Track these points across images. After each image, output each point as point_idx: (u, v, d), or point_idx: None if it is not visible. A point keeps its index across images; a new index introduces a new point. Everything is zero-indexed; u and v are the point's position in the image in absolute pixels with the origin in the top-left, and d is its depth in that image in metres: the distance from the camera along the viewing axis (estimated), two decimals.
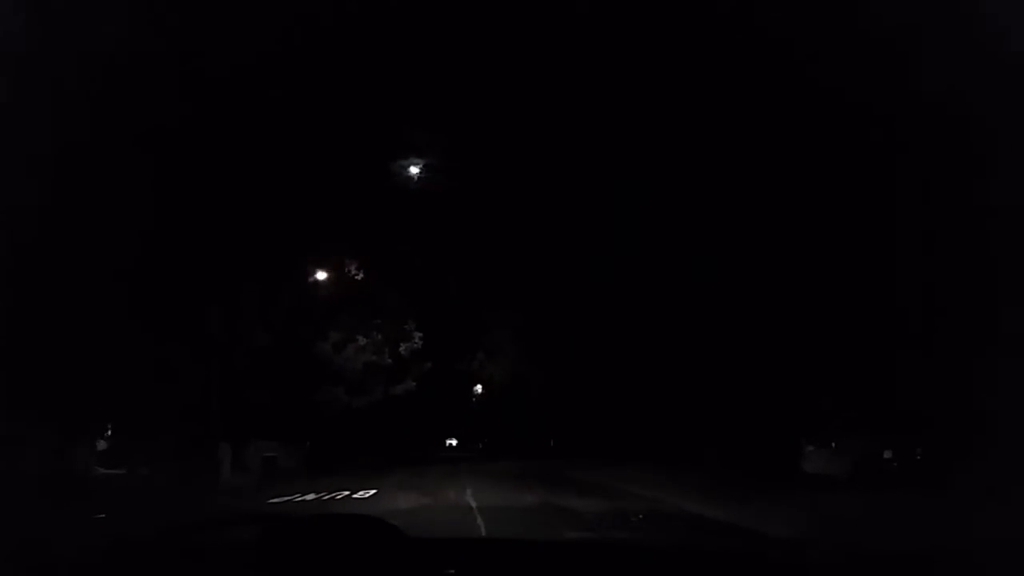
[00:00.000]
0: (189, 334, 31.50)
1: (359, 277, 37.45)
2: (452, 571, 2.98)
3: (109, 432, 34.71)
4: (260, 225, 30.65)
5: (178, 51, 21.20)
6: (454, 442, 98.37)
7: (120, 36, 19.13)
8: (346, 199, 31.69)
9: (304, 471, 34.66)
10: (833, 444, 18.30)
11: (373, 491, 20.80)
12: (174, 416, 31.55)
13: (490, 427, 77.60)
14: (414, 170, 32.80)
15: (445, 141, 31.29)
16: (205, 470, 28.62)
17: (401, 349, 42.69)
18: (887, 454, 16.88)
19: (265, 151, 28.69)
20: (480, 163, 32.48)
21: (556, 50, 22.91)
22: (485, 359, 50.82)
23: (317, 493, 20.53)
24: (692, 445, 28.00)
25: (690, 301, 25.31)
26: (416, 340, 43.79)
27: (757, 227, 23.58)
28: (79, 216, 23.72)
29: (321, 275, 35.44)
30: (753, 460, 19.84)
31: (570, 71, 23.90)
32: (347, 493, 20.38)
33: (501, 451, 60.12)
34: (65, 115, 20.43)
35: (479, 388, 76.11)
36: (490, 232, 35.33)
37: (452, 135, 31.05)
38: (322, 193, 30.48)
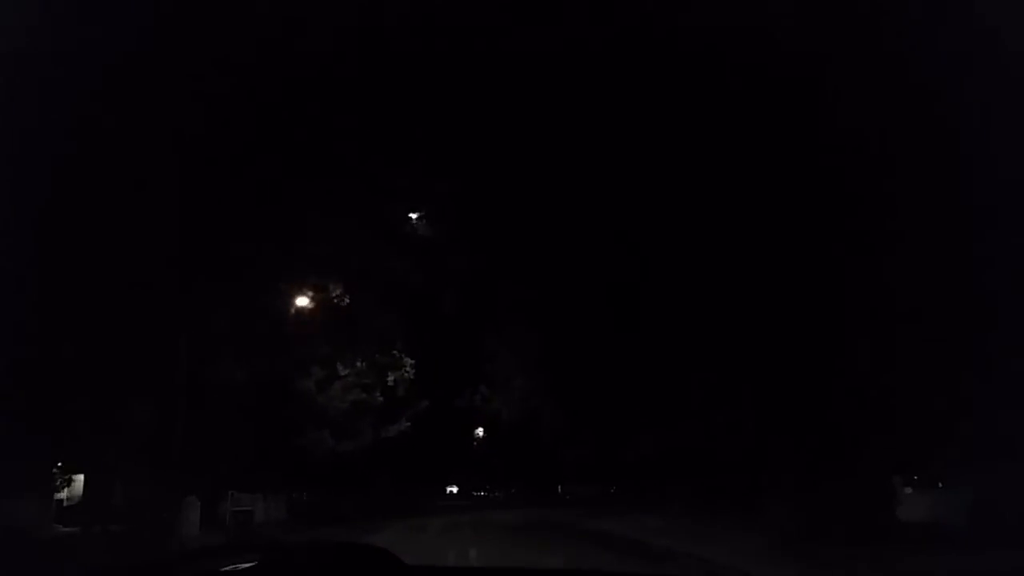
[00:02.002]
0: (151, 370, 28.05)
1: (344, 301, 33.86)
2: None
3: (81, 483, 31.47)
4: (230, 243, 27.46)
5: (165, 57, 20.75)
6: (455, 489, 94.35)
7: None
8: (329, 210, 28.47)
9: (283, 527, 32.29)
10: (940, 484, 14.68)
11: None
12: (143, 465, 28.33)
13: (494, 472, 73.38)
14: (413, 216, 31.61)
15: (444, 153, 28.61)
16: (180, 525, 26.74)
17: (389, 379, 38.73)
18: None
19: (234, 158, 25.72)
20: (479, 170, 29.61)
21: (557, 58, 22.69)
22: (489, 394, 45.65)
23: (229, 562, 16.90)
24: (735, 489, 24.38)
25: (731, 321, 22.06)
26: (407, 368, 39.80)
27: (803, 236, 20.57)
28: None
29: (302, 301, 31.88)
30: (825, 507, 16.38)
31: (573, 78, 23.59)
32: None
33: (508, 499, 56.69)
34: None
35: (480, 431, 73.21)
36: (493, 243, 31.87)
37: (452, 146, 28.54)
38: (301, 205, 27.28)
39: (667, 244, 25.70)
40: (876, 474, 16.18)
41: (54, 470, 30.92)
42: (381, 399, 38.59)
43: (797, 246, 19.74)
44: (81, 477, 31.10)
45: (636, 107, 23.19)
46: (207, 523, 28.89)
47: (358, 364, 35.89)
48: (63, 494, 35.04)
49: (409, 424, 42.30)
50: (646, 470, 35.98)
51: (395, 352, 39.60)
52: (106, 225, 24.01)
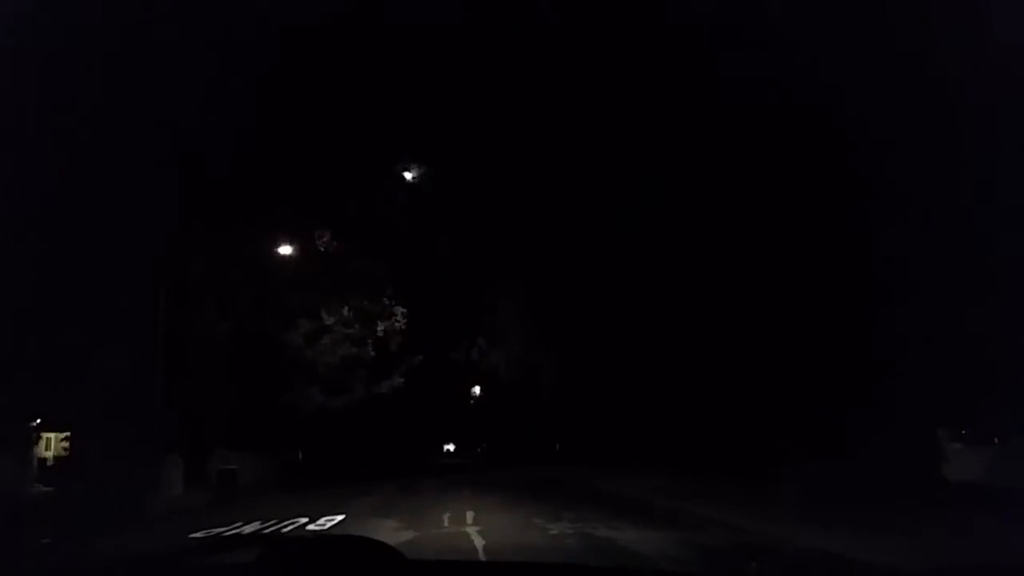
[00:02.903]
0: (128, 320, 26.80)
1: (332, 246, 32.15)
2: None
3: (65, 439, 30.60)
4: (210, 188, 25.97)
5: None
6: (452, 448, 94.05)
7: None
8: (314, 152, 26.84)
9: (270, 487, 31.30)
10: (996, 440, 13.28)
11: (339, 517, 16.28)
12: (120, 421, 27.10)
13: (493, 430, 72.42)
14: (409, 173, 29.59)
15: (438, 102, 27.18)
16: (162, 485, 25.99)
17: (379, 329, 37.05)
18: None
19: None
20: (475, 112, 28.02)
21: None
22: (487, 347, 43.86)
23: (264, 522, 15.84)
24: (752, 446, 23.08)
25: (755, 254, 20.53)
26: (398, 318, 38.04)
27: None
28: None
29: (286, 250, 30.29)
30: (860, 464, 15.04)
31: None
32: (304, 521, 15.68)
33: (508, 457, 55.94)
34: None
35: (477, 390, 72.35)
36: (491, 187, 30.17)
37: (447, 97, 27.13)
38: (285, 146, 25.69)
39: (678, 171, 24.21)
40: (918, 426, 14.76)
41: (32, 426, 30.08)
42: (373, 354, 37.10)
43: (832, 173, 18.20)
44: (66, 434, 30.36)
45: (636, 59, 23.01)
46: (192, 482, 27.93)
47: (344, 312, 34.13)
48: (49, 452, 34.27)
49: (403, 380, 40.80)
50: (653, 427, 34.69)
51: (385, 300, 37.58)
52: (76, 169, 22.87)
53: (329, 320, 33.48)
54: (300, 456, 44.24)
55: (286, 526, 15.08)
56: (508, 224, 32.27)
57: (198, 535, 14.20)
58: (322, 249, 31.84)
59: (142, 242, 26.76)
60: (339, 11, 24.70)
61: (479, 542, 11.76)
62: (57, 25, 20.75)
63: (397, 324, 37.90)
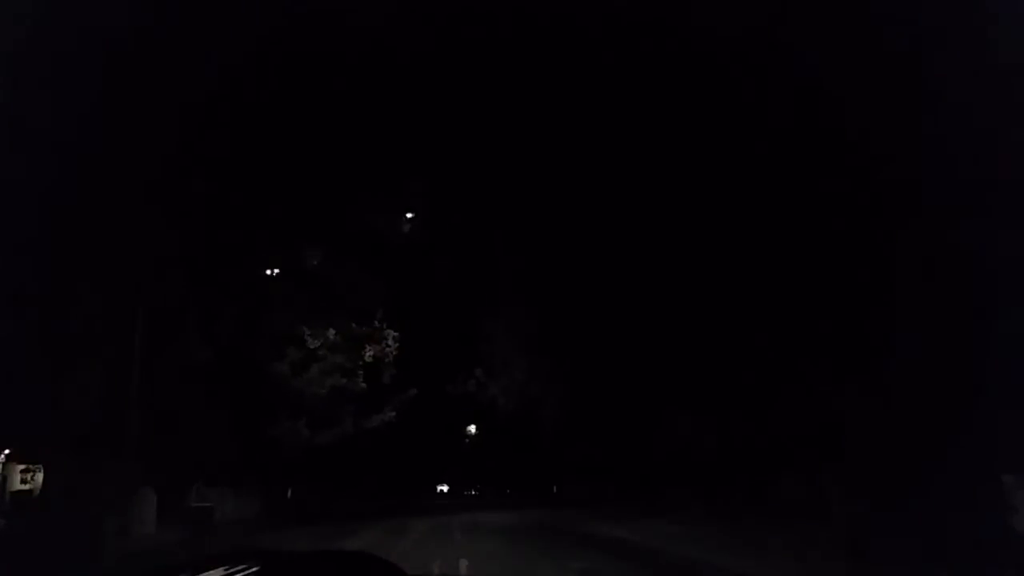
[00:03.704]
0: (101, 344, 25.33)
1: (319, 263, 30.51)
2: None
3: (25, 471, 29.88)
4: (193, 202, 24.65)
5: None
6: (445, 489, 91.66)
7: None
8: (304, 167, 25.54)
9: (251, 526, 30.25)
10: None
11: None
12: (89, 453, 25.65)
13: (488, 471, 70.46)
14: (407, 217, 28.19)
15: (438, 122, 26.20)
16: (132, 522, 24.80)
17: (367, 354, 35.22)
18: None
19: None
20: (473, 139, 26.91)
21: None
22: (485, 378, 41.22)
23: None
24: (783, 487, 21.37)
25: (776, 270, 19.21)
26: (390, 342, 36.22)
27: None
28: None
29: (273, 269, 28.82)
30: (915, 513, 13.43)
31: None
32: None
33: (502, 499, 54.09)
34: None
35: (473, 429, 70.57)
36: (490, 209, 28.74)
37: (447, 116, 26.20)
38: (272, 159, 24.43)
39: (687, 199, 23.18)
40: (981, 471, 13.14)
41: None
42: (364, 385, 35.31)
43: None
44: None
45: (631, 83, 22.96)
46: (167, 519, 26.49)
47: (330, 335, 32.38)
48: (27, 484, 32.71)
49: (394, 414, 38.97)
50: (667, 465, 32.87)
51: (376, 322, 35.77)
52: (48, 177, 21.64)
53: (314, 343, 31.68)
54: (289, 494, 42.74)
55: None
56: (508, 247, 30.79)
57: None
58: (315, 263, 30.18)
59: (119, 261, 25.43)
60: (339, 28, 23.89)
61: None
62: (42, 32, 19.94)
63: (388, 349, 36.02)
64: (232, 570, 3.05)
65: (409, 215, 33.57)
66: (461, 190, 29.49)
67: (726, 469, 26.76)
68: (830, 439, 17.89)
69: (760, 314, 21.39)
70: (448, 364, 43.93)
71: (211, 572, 3.12)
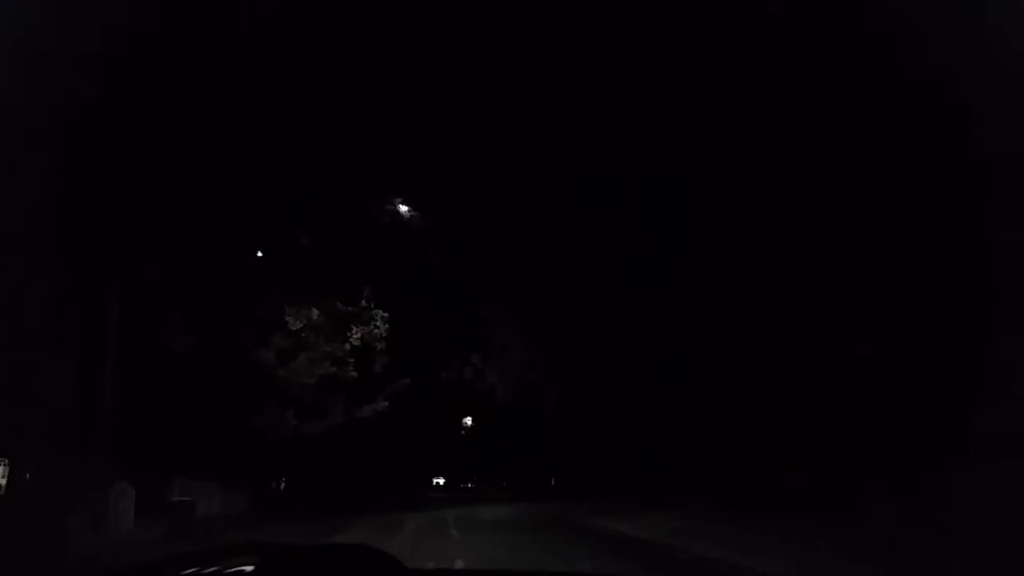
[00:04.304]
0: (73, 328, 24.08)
1: (302, 242, 28.88)
2: None
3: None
4: (173, 178, 23.26)
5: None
6: (441, 481, 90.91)
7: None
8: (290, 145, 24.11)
9: (236, 521, 28.88)
10: None
11: None
12: (65, 448, 24.87)
13: (484, 463, 69.39)
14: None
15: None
16: (108, 518, 23.50)
17: (354, 335, 33.59)
18: None
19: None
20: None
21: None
22: (481, 365, 39.24)
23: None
24: (800, 480, 20.11)
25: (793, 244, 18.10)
26: (379, 323, 34.54)
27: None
28: None
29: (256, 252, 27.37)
30: (954, 512, 12.20)
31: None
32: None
33: (499, 492, 53.05)
34: None
35: (469, 421, 69.56)
36: (487, 185, 27.20)
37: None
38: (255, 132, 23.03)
39: (694, 173, 22.30)
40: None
41: None
42: (354, 374, 33.82)
43: None
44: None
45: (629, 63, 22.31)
46: (147, 514, 25.03)
47: (314, 315, 30.72)
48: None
49: (387, 404, 37.54)
50: (660, 460, 31.60)
51: (363, 301, 34.06)
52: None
53: (295, 325, 30.09)
54: (280, 487, 41.65)
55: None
56: (506, 226, 29.17)
57: None
58: (302, 241, 28.51)
59: (93, 240, 24.06)
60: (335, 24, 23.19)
61: None
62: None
63: (377, 331, 34.34)
64: (230, 564, 3.03)
65: (401, 204, 32.07)
66: (455, 165, 27.88)
67: (729, 461, 25.74)
68: (859, 433, 16.69)
69: (779, 295, 20.24)
70: (443, 350, 42.21)
71: (209, 567, 3.11)
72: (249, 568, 2.87)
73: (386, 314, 35.38)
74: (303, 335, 30.68)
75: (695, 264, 23.12)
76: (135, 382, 26.76)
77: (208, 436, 29.91)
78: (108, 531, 22.75)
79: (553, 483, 61.16)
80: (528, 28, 22.80)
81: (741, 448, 24.16)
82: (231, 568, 3.06)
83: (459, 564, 13.35)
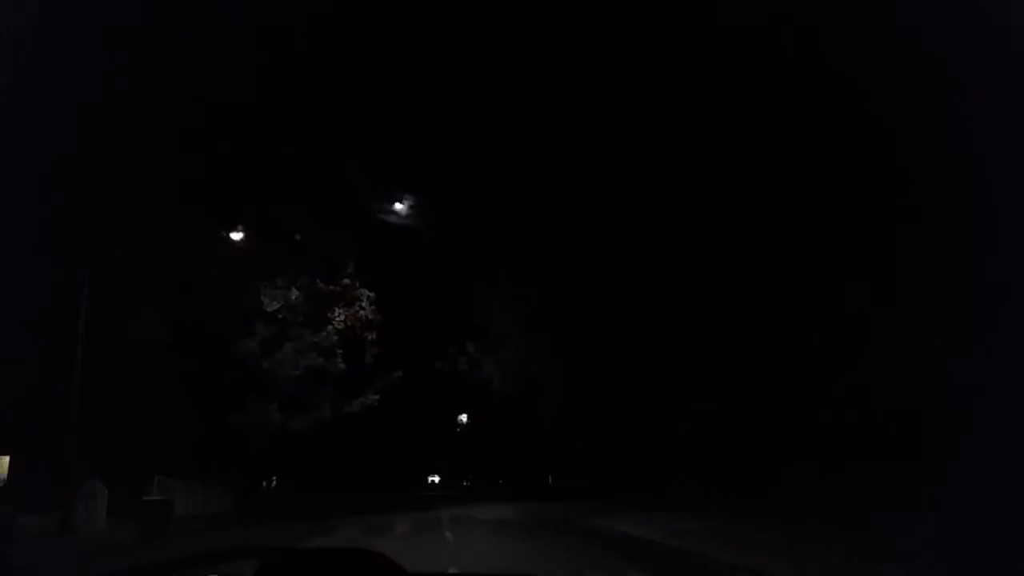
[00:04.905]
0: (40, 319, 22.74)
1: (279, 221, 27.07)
2: None
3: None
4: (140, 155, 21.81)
5: None
6: (436, 479, 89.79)
7: None
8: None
9: (216, 522, 27.37)
10: None
11: None
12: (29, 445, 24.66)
13: (483, 459, 68.09)
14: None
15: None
16: (78, 518, 22.57)
17: (338, 318, 31.71)
18: None
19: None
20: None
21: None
22: (478, 354, 36.77)
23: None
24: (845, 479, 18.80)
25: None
26: (364, 303, 32.64)
27: None
28: None
29: (237, 235, 25.74)
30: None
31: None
32: None
33: (496, 491, 51.92)
34: None
35: (464, 418, 68.43)
36: (486, 168, 25.60)
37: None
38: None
39: (705, 158, 21.36)
40: None
41: None
42: (343, 366, 32.16)
43: None
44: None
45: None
46: (122, 514, 24.01)
47: (293, 294, 28.85)
48: None
49: (377, 398, 35.97)
50: (664, 458, 30.19)
51: (345, 279, 32.06)
52: None
53: (271, 305, 28.31)
54: (270, 486, 40.49)
55: None
56: (504, 208, 27.50)
57: None
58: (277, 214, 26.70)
59: (62, 225, 22.64)
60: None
61: None
62: None
63: (363, 312, 32.45)
64: (228, 567, 3.03)
65: (398, 203, 30.59)
66: (448, 139, 26.28)
67: (736, 460, 24.48)
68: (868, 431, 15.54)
69: (791, 287, 19.19)
70: (437, 339, 39.74)
71: (205, 570, 3.10)
72: (248, 566, 2.81)
73: (372, 294, 33.45)
74: (281, 316, 28.86)
75: (712, 252, 21.84)
76: (109, 376, 25.54)
77: (189, 433, 28.58)
78: (77, 533, 21.70)
79: (551, 482, 60.09)
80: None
81: (748, 446, 22.90)
82: (228, 572, 3.02)
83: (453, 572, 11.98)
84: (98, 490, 24.09)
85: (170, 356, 27.20)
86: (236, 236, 25.89)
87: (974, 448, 12.67)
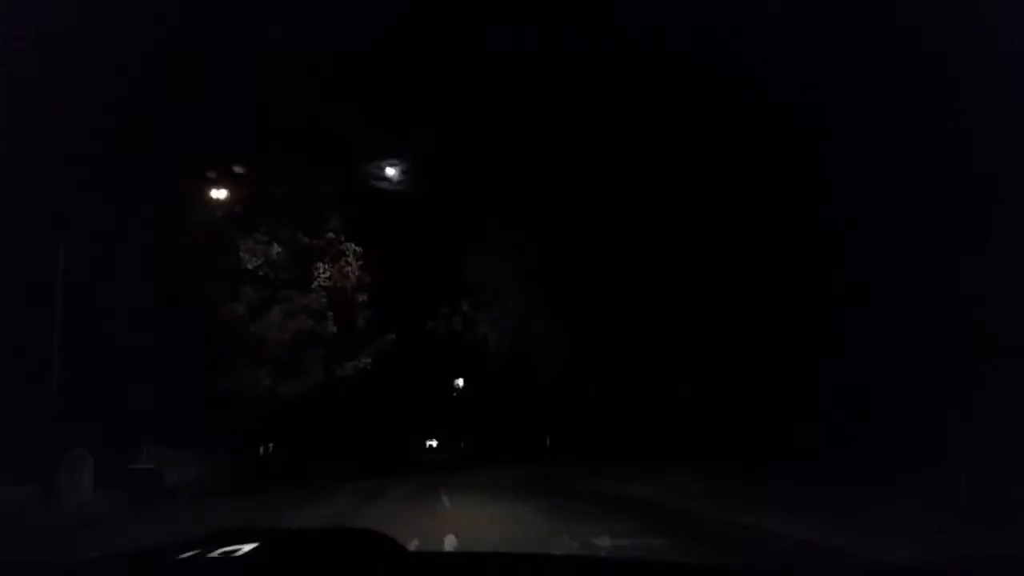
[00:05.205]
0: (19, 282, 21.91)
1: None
2: None
3: None
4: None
5: None
6: (434, 443, 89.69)
7: None
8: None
9: (207, 490, 27.03)
10: None
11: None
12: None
13: (479, 422, 67.59)
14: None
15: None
16: (63, 488, 21.95)
17: (322, 274, 30.36)
18: None
19: None
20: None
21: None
22: (473, 313, 35.16)
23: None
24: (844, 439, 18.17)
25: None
26: (350, 258, 31.32)
27: None
28: None
29: (220, 193, 24.60)
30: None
31: None
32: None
33: (498, 453, 51.77)
34: None
35: (461, 382, 67.94)
36: (479, 117, 24.37)
37: None
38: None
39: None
40: None
41: None
42: (334, 328, 31.15)
43: None
44: None
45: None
46: (110, 484, 23.40)
47: (274, 250, 27.61)
48: None
49: (370, 360, 35.12)
50: (663, 415, 29.45)
51: (330, 234, 30.60)
52: None
53: (252, 262, 27.15)
54: (267, 451, 39.89)
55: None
56: (499, 158, 26.16)
57: None
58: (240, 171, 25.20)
59: (35, 180, 21.63)
60: None
61: None
62: None
63: (349, 268, 31.21)
64: (228, 549, 2.95)
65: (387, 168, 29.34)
66: (440, 91, 24.97)
67: (737, 419, 23.73)
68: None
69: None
70: (430, 300, 38.00)
71: (204, 551, 3.06)
72: (247, 547, 2.76)
73: (359, 249, 32.11)
74: (262, 273, 27.65)
75: (715, 204, 21.04)
76: (92, 341, 24.73)
77: (177, 400, 27.81)
78: (62, 503, 21.07)
79: (548, 444, 59.70)
80: None
81: (749, 404, 22.27)
82: (235, 550, 2.88)
83: (450, 540, 11.30)
84: (83, 459, 23.21)
85: (155, 320, 26.38)
86: (218, 194, 24.76)
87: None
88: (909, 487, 12.78)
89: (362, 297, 33.20)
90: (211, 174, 24.36)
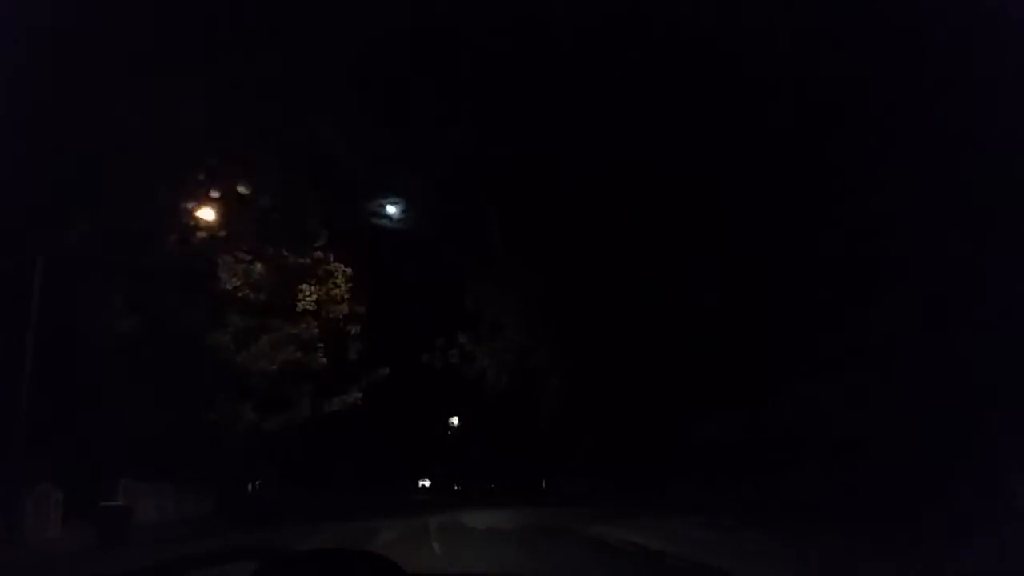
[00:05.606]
0: None
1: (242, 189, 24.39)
2: None
3: None
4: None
5: None
6: (428, 483, 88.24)
7: None
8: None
9: (184, 529, 25.92)
10: None
11: None
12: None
13: (472, 464, 66.63)
14: None
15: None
16: (27, 526, 21.38)
17: (309, 297, 28.90)
18: None
19: None
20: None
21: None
22: (472, 346, 33.19)
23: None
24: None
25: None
26: (339, 280, 29.88)
27: None
28: None
29: (207, 214, 23.60)
30: None
31: None
32: None
33: (490, 495, 50.51)
34: None
35: (455, 420, 67.13)
36: (482, 138, 23.41)
37: None
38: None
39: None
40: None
41: None
42: (324, 360, 29.96)
43: None
44: None
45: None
46: (82, 520, 22.52)
47: (256, 268, 26.24)
48: None
49: (361, 395, 33.88)
50: (668, 463, 28.38)
51: (318, 253, 29.19)
52: None
53: (231, 283, 25.87)
54: (254, 488, 38.90)
55: None
56: (501, 186, 24.98)
57: None
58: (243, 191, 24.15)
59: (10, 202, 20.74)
60: None
61: None
62: None
63: (337, 291, 29.88)
64: (227, 569, 3.04)
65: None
66: (441, 112, 23.96)
67: (744, 464, 23.12)
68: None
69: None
70: (427, 334, 36.09)
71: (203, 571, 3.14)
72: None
73: (349, 270, 30.72)
74: (241, 295, 26.39)
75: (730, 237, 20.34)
76: (69, 371, 23.70)
77: (157, 432, 26.72)
78: (26, 540, 20.37)
79: (544, 486, 58.47)
80: None
81: (756, 451, 21.74)
82: (231, 571, 3.00)
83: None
84: (51, 494, 22.59)
85: (135, 347, 25.38)
86: (205, 214, 23.67)
87: None
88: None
89: (354, 329, 32.07)
90: (192, 185, 23.39)
